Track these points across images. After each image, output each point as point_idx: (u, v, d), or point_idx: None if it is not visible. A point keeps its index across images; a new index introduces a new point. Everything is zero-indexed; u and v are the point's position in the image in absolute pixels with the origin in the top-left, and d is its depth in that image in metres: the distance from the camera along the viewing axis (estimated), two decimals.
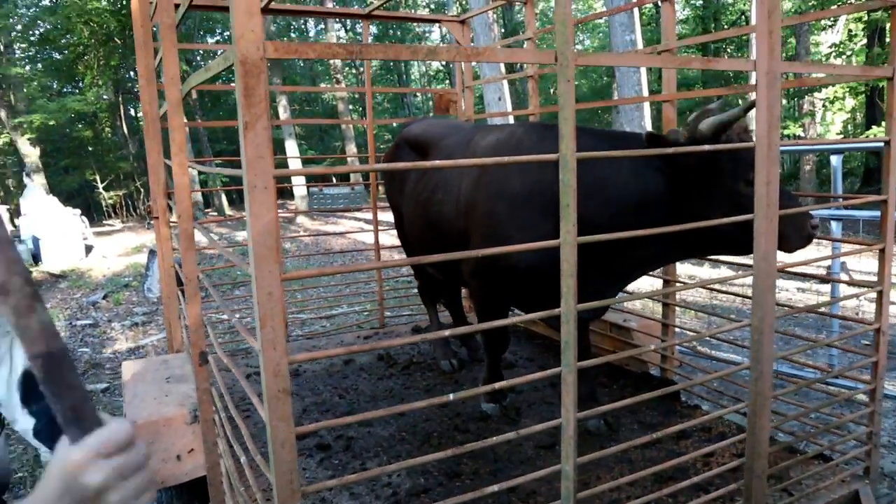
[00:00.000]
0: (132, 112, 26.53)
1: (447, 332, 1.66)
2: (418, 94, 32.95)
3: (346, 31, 32.30)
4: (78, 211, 14.11)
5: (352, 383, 3.99)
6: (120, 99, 23.81)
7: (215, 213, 22.42)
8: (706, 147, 2.27)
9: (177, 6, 2.57)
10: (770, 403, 2.18)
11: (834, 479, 2.66)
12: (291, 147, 19.89)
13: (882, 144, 2.57)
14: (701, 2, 24.46)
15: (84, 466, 0.87)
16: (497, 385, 1.73)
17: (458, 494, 1.66)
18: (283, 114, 19.70)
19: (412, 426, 3.31)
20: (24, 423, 1.77)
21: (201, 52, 20.33)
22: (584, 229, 1.68)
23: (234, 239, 14.16)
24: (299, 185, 17.25)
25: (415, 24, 31.23)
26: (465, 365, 4.21)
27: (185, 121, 2.51)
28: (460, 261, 3.06)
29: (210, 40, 27.15)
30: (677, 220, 2.12)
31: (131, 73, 23.39)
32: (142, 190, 23.97)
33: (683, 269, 9.12)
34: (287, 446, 1.40)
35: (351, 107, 27.27)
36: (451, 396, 1.60)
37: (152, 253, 9.32)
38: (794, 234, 2.42)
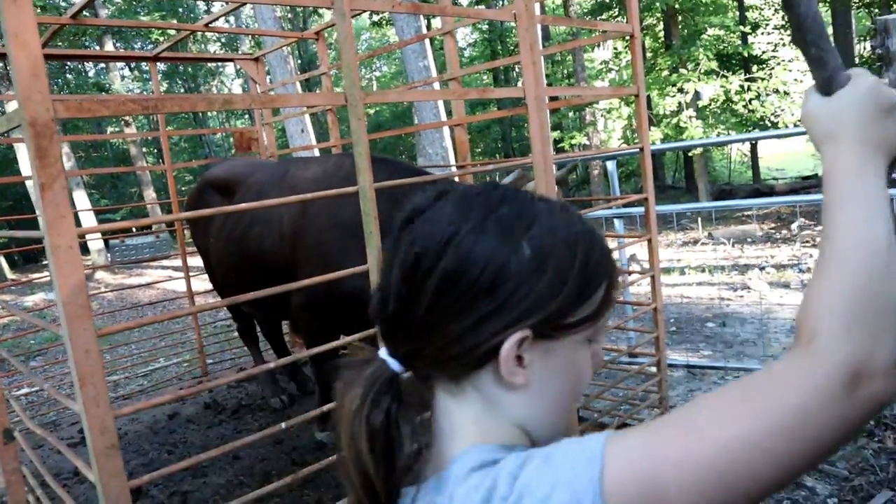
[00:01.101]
0: None
1: (273, 364, 1.72)
2: (218, 132, 31.87)
3: (131, 69, 30.47)
4: None
5: (180, 437, 3.84)
6: None
7: None
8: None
9: None
10: None
11: None
12: (81, 198, 18.32)
13: (638, 151, 3.01)
14: (486, 25, 26.13)
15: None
16: (327, 408, 1.82)
17: None
18: (68, 163, 18.13)
19: (249, 469, 3.27)
20: None
21: None
22: None
23: (23, 305, 12.80)
24: (95, 239, 15.94)
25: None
26: (295, 400, 4.20)
27: None
28: (286, 295, 3.09)
29: None
30: None
31: None
32: None
33: None
34: (122, 503, 1.39)
35: (144, 149, 25.75)
36: (284, 425, 1.66)
37: None
38: None
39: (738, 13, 17.11)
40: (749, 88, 13.86)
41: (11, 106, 18.75)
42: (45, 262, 22.03)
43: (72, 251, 1.31)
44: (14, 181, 10.47)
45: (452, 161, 11.71)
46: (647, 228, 2.98)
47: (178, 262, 5.15)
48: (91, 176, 27.77)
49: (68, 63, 28.98)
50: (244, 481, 3.14)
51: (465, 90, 2.25)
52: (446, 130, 12.30)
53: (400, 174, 3.06)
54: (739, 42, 15.91)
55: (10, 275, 20.64)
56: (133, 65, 30.26)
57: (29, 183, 17.17)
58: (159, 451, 3.66)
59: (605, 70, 18.47)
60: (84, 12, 3.53)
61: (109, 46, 22.81)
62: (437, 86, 12.43)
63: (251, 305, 3.90)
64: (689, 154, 16.40)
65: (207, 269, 4.14)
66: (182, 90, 27.36)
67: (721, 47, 15.09)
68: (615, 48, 20.99)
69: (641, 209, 5.56)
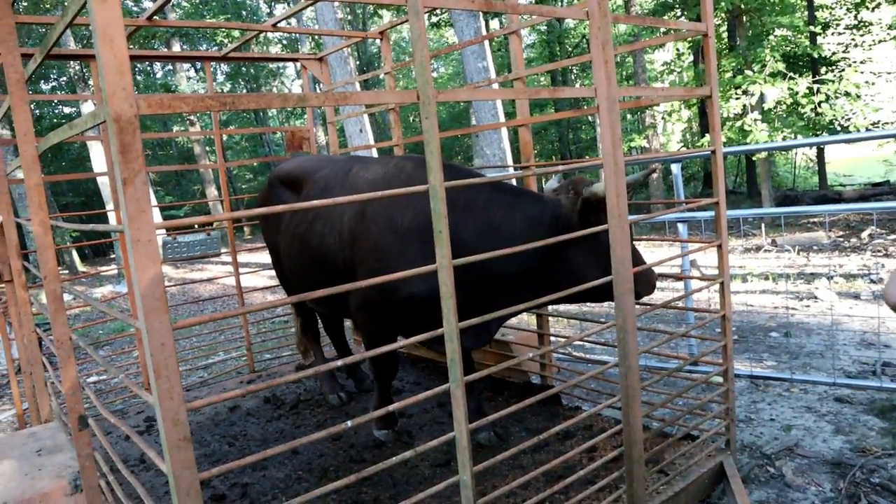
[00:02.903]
0: None
1: (339, 362, 1.72)
2: (273, 132, 32.47)
3: (196, 70, 31.37)
4: None
5: (240, 429, 3.91)
6: None
7: (67, 272, 20.90)
8: None
9: (24, 57, 2.47)
10: (640, 395, 2.40)
11: (701, 454, 2.94)
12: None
13: (710, 153, 2.92)
14: (545, 27, 25.94)
15: None
16: (391, 407, 1.81)
17: None
18: None
19: (307, 464, 3.30)
20: None
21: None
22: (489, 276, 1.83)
23: (93, 296, 13.28)
24: (158, 235, 16.34)
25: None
26: (353, 397, 4.23)
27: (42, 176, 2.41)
28: (346, 294, 3.11)
29: (44, 87, 25.48)
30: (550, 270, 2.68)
31: None
32: None
33: None
34: (192, 494, 1.41)
35: (207, 148, 26.44)
36: (349, 423, 1.66)
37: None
38: (644, 287, 2.92)
39: (807, 13, 16.51)
40: (818, 91, 13.35)
41: (86, 108, 19.48)
42: (112, 256, 22.86)
43: (150, 245, 1.33)
44: (86, 177, 11.00)
45: (509, 162, 11.66)
46: (718, 233, 2.89)
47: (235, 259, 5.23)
48: (157, 174, 28.71)
49: (137, 65, 30.01)
50: (302, 476, 3.17)
51: (535, 90, 2.22)
52: (504, 132, 12.26)
53: (461, 176, 3.06)
54: (808, 43, 15.35)
55: (80, 267, 21.48)
56: (199, 66, 31.14)
57: (100, 180, 17.85)
58: (220, 443, 3.73)
59: (666, 72, 18.11)
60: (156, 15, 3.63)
61: (176, 48, 23.51)
62: (496, 86, 12.39)
63: (315, 302, 3.94)
64: (753, 158, 15.92)
65: (275, 265, 4.20)
66: (244, 90, 27.97)
67: (788, 48, 14.58)
68: (677, 49, 20.59)
69: (705, 213, 5.43)
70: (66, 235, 19.29)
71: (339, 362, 1.73)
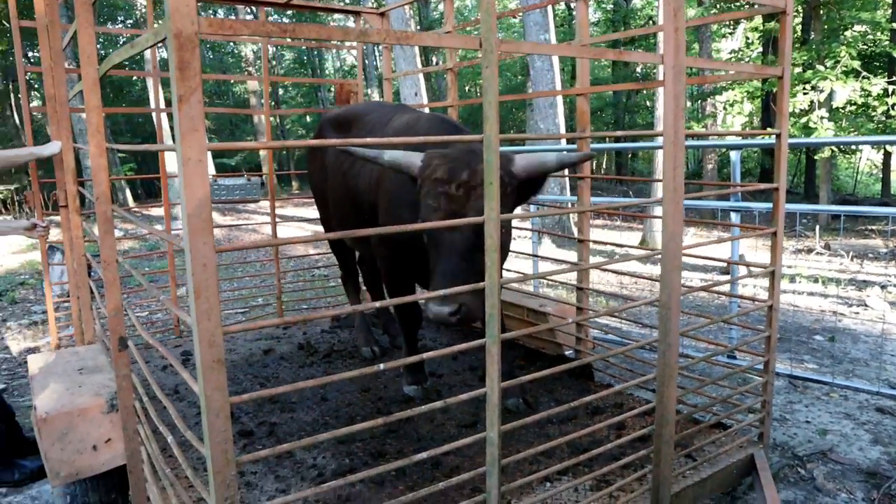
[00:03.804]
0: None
1: (376, 304, 1.71)
2: (332, 87, 32.55)
3: (255, 17, 31.55)
4: None
5: (272, 372, 3.98)
6: (10, 87, 22.36)
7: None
8: None
9: None
10: (676, 374, 2.34)
11: (732, 444, 2.88)
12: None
13: (775, 138, 2.81)
14: (611, 6, 25.36)
15: None
16: (424, 356, 1.80)
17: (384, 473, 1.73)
18: None
19: (335, 411, 3.34)
20: None
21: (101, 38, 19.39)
22: None
23: (142, 233, 13.60)
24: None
25: (328, 15, 30.85)
26: (385, 352, 4.26)
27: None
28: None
29: (111, 26, 25.94)
30: None
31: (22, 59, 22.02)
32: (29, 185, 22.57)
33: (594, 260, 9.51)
34: (222, 416, 1.43)
35: (262, 101, 26.67)
36: (382, 366, 1.66)
37: (51, 249, 8.83)
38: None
39: (890, 10, 15.74)
40: (893, 93, 12.77)
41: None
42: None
43: (200, 165, 1.33)
44: (141, 112, 11.25)
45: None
46: (775, 221, 2.78)
47: (279, 210, 5.27)
48: (213, 122, 29.16)
49: (200, 12, 30.28)
50: (329, 422, 3.21)
51: (601, 49, 2.15)
52: (560, 107, 12.07)
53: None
54: (888, 41, 14.66)
55: (132, 205, 22.03)
56: (256, 17, 31.26)
57: (159, 120, 18.10)
58: (252, 383, 3.80)
59: (734, 59, 17.53)
60: None
61: None
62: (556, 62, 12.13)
63: (355, 242, 4.09)
64: (815, 157, 15.37)
65: (321, 212, 4.31)
66: (302, 47, 28.01)
67: (865, 46, 13.96)
68: (746, 38, 19.88)
69: (760, 204, 5.27)
70: (122, 172, 19.80)
71: (370, 305, 1.72)
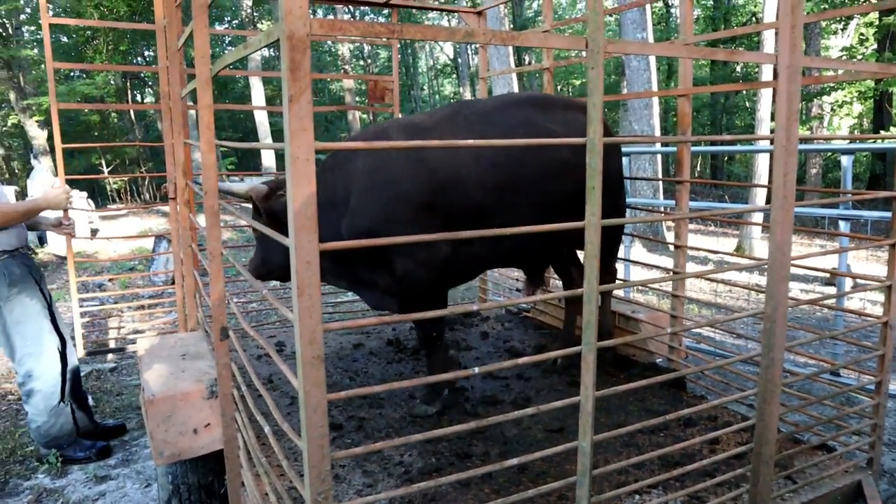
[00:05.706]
0: (138, 97, 26.48)
1: (485, 305, 1.71)
2: (425, 87, 32.95)
3: (353, 17, 32.33)
4: (84, 194, 14.08)
5: (361, 366, 4.05)
6: (128, 84, 23.78)
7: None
8: None
9: None
10: (780, 391, 2.23)
11: (837, 468, 2.71)
12: None
13: (894, 145, 2.62)
14: (712, 2, 24.45)
15: None
16: (518, 361, 1.78)
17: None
18: None
19: None
20: None
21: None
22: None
23: (238, 224, 14.17)
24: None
25: (424, 15, 31.22)
26: (471, 348, 4.27)
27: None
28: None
29: (218, 27, 27.14)
30: None
31: (138, 59, 23.39)
32: (145, 177, 23.90)
33: (690, 266, 9.19)
34: (319, 412, 1.45)
35: (357, 99, 27.26)
36: (476, 370, 1.65)
37: (158, 238, 9.32)
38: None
39: None
40: None
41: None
42: None
43: (308, 164, 1.36)
44: (245, 109, 11.78)
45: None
46: (893, 231, 2.60)
47: None
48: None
49: None
50: (416, 420, 3.24)
51: (710, 49, 2.06)
52: (655, 108, 11.74)
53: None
54: None
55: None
56: (356, 17, 31.99)
57: (258, 118, 18.86)
58: (342, 377, 3.88)
59: (846, 57, 16.55)
60: None
61: None
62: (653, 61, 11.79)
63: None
64: None
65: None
66: (400, 43, 28.50)
67: None
68: (861, 33, 18.72)
69: (873, 213, 4.94)
70: (224, 167, 20.70)
71: (478, 306, 1.71)
